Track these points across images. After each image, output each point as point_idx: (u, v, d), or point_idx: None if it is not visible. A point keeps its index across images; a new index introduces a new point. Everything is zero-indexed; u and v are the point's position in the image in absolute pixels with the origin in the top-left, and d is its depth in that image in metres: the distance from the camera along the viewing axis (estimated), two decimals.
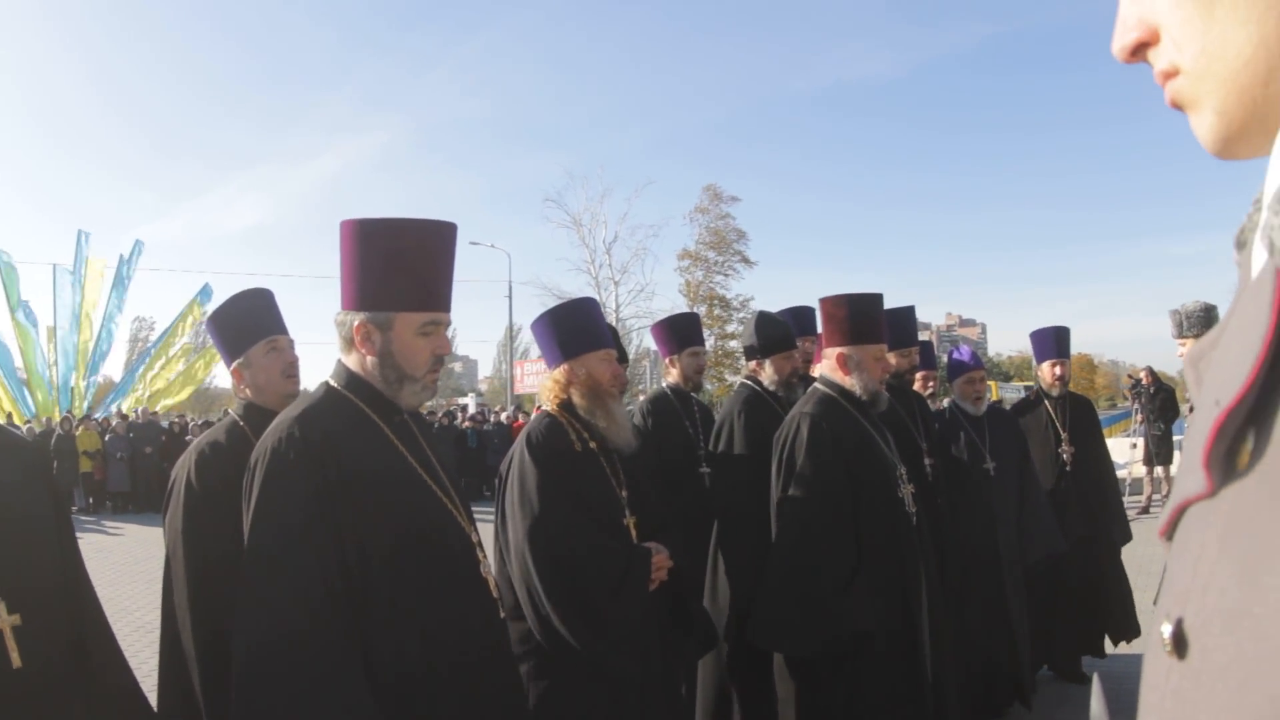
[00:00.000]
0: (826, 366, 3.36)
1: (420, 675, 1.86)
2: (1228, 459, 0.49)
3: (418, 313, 2.02)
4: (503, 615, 2.15)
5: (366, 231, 2.02)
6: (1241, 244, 0.59)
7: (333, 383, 2.07)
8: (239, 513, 1.95)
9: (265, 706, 1.72)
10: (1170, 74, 0.60)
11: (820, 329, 3.46)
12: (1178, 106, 0.61)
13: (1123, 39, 0.63)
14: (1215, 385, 0.53)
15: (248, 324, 2.78)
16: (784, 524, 3.13)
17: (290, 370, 2.80)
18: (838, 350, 3.28)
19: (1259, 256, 0.54)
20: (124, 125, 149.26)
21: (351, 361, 2.06)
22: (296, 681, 1.72)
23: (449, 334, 2.24)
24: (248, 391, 2.77)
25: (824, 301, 3.38)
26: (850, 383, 3.27)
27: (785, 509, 3.14)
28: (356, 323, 2.01)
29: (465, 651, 1.96)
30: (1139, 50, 0.62)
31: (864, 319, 3.27)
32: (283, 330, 2.84)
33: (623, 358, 3.16)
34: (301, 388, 2.79)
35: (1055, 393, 4.95)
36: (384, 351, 2.01)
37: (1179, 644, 0.50)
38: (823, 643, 2.99)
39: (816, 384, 3.38)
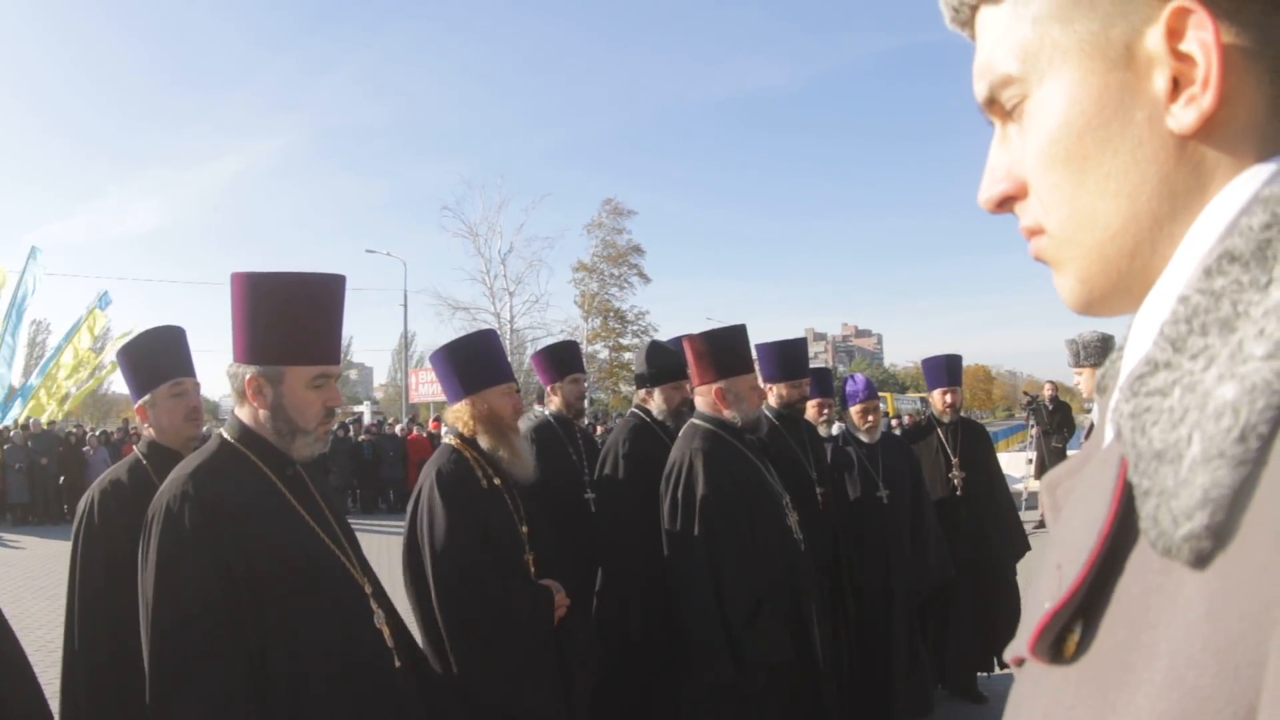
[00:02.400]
0: (704, 402, 3.43)
1: (315, 696, 1.90)
2: (1055, 646, 0.50)
3: (308, 366, 2.05)
4: (399, 664, 2.17)
5: (256, 285, 2.05)
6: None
7: (226, 435, 2.09)
8: (131, 550, 1.99)
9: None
10: (1036, 231, 0.57)
11: (690, 367, 3.53)
12: (1041, 261, 0.58)
13: (990, 190, 0.59)
14: (1060, 546, 0.52)
15: (156, 363, 2.80)
16: (687, 556, 3.16)
17: (193, 415, 2.82)
18: (715, 385, 3.36)
19: (1111, 428, 0.52)
20: (24, 124, 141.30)
21: (244, 414, 2.08)
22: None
23: (344, 343, 2.27)
24: (151, 430, 2.79)
25: (688, 341, 3.48)
26: (730, 415, 3.35)
27: (687, 542, 3.17)
28: (248, 376, 2.03)
29: (358, 691, 1.99)
30: (1006, 202, 0.59)
31: (731, 352, 3.38)
32: (189, 372, 2.85)
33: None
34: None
35: (947, 419, 5.12)
36: (275, 405, 2.04)
37: None
38: (734, 672, 3.03)
39: (694, 420, 3.44)
